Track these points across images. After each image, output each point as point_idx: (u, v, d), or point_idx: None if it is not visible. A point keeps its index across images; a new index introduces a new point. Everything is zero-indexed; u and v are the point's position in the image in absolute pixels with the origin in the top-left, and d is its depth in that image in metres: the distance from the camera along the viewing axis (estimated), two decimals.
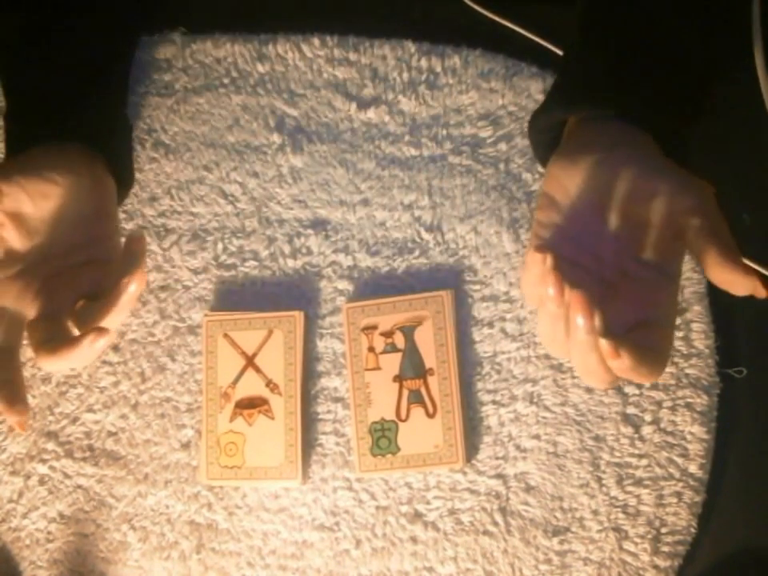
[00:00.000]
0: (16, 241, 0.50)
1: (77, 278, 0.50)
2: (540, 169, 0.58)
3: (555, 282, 0.39)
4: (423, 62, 0.61)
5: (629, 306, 0.42)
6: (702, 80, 0.48)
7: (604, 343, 0.38)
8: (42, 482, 0.58)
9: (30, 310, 0.49)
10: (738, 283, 0.40)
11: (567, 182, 0.45)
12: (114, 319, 0.48)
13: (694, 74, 0.48)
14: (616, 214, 0.43)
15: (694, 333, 0.55)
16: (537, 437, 0.55)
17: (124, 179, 0.57)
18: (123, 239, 0.51)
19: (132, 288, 0.47)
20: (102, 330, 0.46)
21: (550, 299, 0.39)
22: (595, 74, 0.48)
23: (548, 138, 0.50)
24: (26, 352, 0.60)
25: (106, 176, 0.54)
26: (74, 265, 0.51)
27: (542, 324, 0.42)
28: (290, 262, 0.60)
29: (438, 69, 0.61)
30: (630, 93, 0.46)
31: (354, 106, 0.61)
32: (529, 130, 0.52)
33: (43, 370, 0.59)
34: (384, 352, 0.57)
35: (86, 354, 0.46)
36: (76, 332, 0.48)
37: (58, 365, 0.47)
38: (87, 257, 0.51)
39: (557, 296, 0.39)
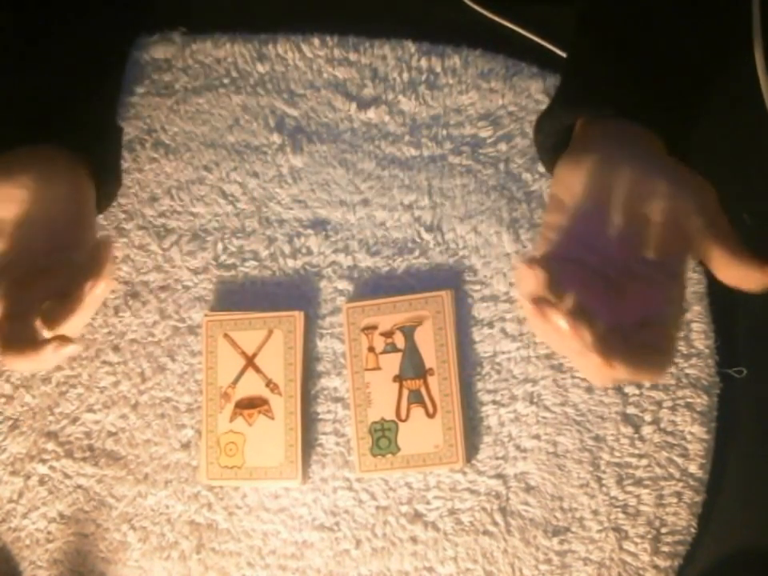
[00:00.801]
0: None
1: (47, 281, 0.49)
2: (540, 169, 0.58)
3: (545, 307, 0.39)
4: (423, 62, 0.61)
5: (635, 305, 0.41)
6: (701, 79, 0.48)
7: (595, 357, 0.38)
8: (41, 482, 0.58)
9: None
10: (749, 278, 0.40)
11: (572, 183, 0.45)
12: (78, 321, 0.49)
13: (693, 73, 0.48)
14: (619, 213, 0.43)
15: (694, 333, 0.55)
16: (537, 437, 0.55)
17: (107, 185, 0.56)
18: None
19: (97, 291, 0.48)
20: (64, 339, 0.46)
21: (544, 318, 0.39)
22: (595, 76, 0.48)
23: (553, 141, 0.50)
24: None
25: (85, 182, 0.53)
26: (45, 267, 0.50)
27: (537, 329, 0.42)
28: (290, 262, 0.60)
29: (438, 69, 0.61)
30: (630, 92, 0.46)
31: (353, 105, 0.61)
32: (534, 134, 0.52)
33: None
34: (384, 352, 0.57)
35: (49, 359, 0.47)
36: (45, 333, 0.48)
37: (21, 366, 0.47)
38: (60, 261, 0.50)
39: (550, 319, 0.39)
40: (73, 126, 0.54)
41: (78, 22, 0.57)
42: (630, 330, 0.40)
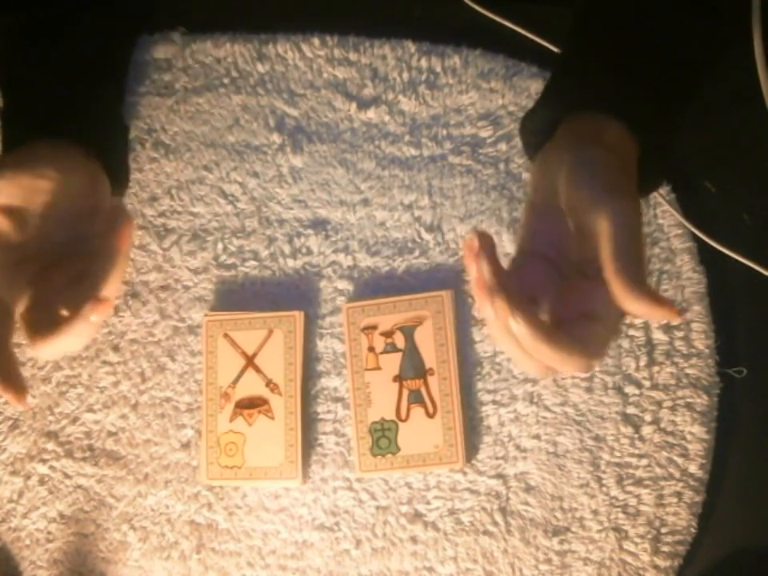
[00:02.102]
0: (9, 233, 0.50)
1: (69, 271, 0.51)
2: None
3: (483, 290, 0.40)
4: (423, 62, 0.61)
5: (578, 300, 0.42)
6: (692, 82, 0.48)
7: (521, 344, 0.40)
8: (41, 482, 0.58)
9: (23, 301, 0.50)
10: (648, 314, 0.39)
11: (537, 180, 0.46)
12: (114, 283, 0.49)
13: (686, 76, 0.48)
14: (566, 213, 0.44)
15: (694, 333, 0.55)
16: (537, 437, 0.55)
17: (119, 179, 0.57)
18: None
19: (127, 243, 0.49)
20: (100, 300, 0.47)
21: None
22: (576, 75, 0.48)
23: (538, 139, 0.50)
24: (27, 352, 0.60)
25: (100, 176, 0.54)
26: (67, 257, 0.51)
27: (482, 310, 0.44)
28: (290, 262, 0.60)
29: (438, 69, 0.61)
30: (609, 91, 0.46)
31: (354, 106, 0.61)
32: (520, 133, 0.52)
33: (43, 364, 0.59)
34: (384, 352, 0.57)
35: (85, 330, 0.47)
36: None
37: (54, 347, 0.47)
38: (80, 251, 0.52)
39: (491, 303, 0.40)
40: (84, 122, 0.55)
41: (82, 22, 0.57)
42: (568, 321, 0.41)
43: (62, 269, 0.51)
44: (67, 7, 0.57)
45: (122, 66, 0.61)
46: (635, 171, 0.46)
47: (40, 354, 0.49)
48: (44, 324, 0.48)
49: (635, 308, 0.38)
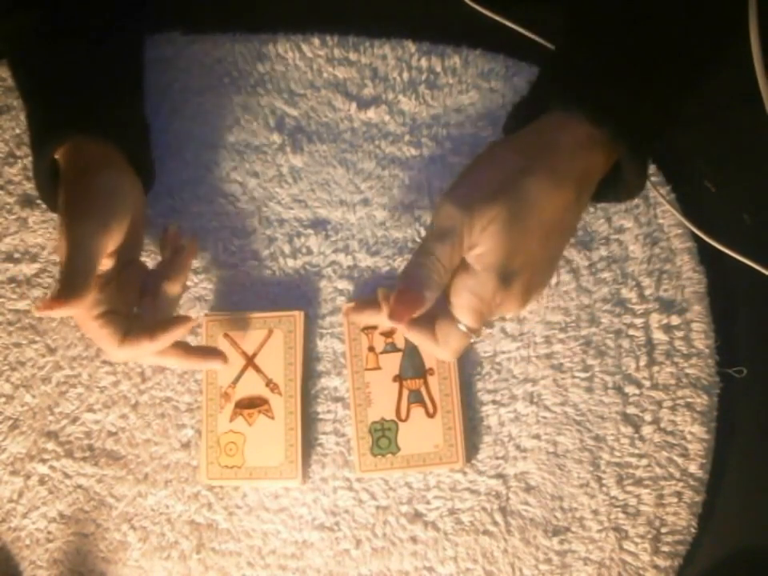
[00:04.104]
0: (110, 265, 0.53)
1: (134, 276, 0.54)
2: None
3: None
4: (423, 62, 0.61)
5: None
6: (686, 82, 0.48)
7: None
8: (42, 482, 0.58)
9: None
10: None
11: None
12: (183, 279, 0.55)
13: (679, 75, 0.48)
14: None
15: (694, 333, 0.55)
16: (537, 437, 0.55)
17: (150, 178, 0.58)
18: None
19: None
20: (188, 318, 0.53)
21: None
22: (538, 76, 0.51)
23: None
24: (26, 352, 0.60)
25: (137, 180, 0.54)
26: (128, 263, 0.54)
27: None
28: (290, 262, 0.60)
29: (438, 69, 0.61)
30: (588, 88, 0.46)
31: (353, 105, 0.61)
32: (503, 132, 0.53)
33: (43, 364, 0.59)
34: (384, 352, 0.57)
35: (178, 334, 0.52)
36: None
37: (151, 347, 0.51)
38: (133, 257, 0.54)
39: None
40: (120, 123, 0.55)
41: (103, 23, 0.57)
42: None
43: (132, 276, 0.54)
44: (84, 7, 0.56)
45: (141, 65, 0.61)
46: (591, 176, 0.46)
47: (117, 358, 0.54)
48: (131, 327, 0.51)
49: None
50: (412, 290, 0.45)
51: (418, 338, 0.50)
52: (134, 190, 0.53)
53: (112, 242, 0.50)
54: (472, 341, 0.49)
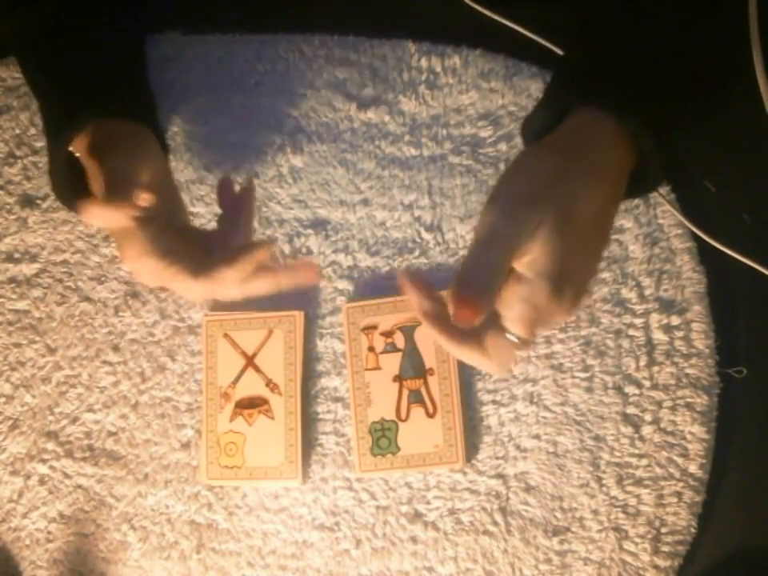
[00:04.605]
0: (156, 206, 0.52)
1: (194, 236, 0.53)
2: None
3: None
4: (423, 62, 0.61)
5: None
6: (698, 83, 0.48)
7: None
8: (42, 482, 0.58)
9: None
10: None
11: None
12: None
13: (690, 78, 0.48)
14: None
15: (694, 333, 0.55)
16: (537, 437, 0.55)
17: (166, 150, 0.58)
18: None
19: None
20: (264, 241, 0.53)
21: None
22: (556, 78, 0.50)
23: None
24: (26, 352, 0.60)
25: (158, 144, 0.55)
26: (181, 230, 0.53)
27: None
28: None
29: (438, 69, 0.61)
30: (589, 87, 0.46)
31: (354, 106, 0.61)
32: (521, 136, 0.53)
33: (43, 364, 0.59)
34: (384, 352, 0.57)
35: (258, 256, 0.50)
36: None
37: (231, 273, 0.50)
38: (181, 223, 0.54)
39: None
40: (139, 99, 0.56)
41: (109, 10, 0.58)
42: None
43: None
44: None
45: (143, 45, 0.62)
46: (624, 172, 0.46)
47: (196, 296, 0.55)
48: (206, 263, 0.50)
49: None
50: (471, 295, 0.44)
51: (467, 353, 0.48)
52: (158, 147, 0.54)
53: (146, 166, 0.51)
54: (524, 354, 0.48)
